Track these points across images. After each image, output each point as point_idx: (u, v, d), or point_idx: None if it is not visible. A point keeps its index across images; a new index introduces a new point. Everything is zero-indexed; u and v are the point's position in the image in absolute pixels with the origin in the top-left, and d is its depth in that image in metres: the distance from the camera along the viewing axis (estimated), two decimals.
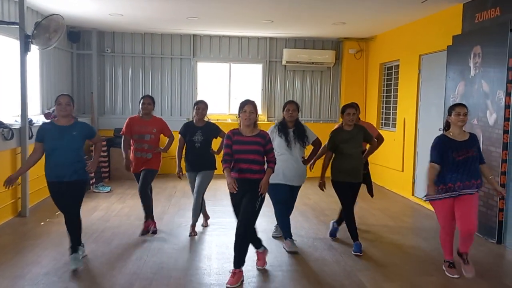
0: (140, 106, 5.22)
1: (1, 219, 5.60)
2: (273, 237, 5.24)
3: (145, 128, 5.17)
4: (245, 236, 3.96)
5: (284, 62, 9.42)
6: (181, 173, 5.29)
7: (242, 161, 3.95)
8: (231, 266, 4.00)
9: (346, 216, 4.89)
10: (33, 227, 5.46)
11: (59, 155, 4.09)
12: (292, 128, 4.84)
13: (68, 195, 4.14)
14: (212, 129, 5.32)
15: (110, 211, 6.24)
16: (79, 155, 4.22)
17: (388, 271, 4.33)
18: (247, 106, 3.97)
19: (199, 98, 7.66)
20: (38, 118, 6.78)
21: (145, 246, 4.85)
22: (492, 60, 5.41)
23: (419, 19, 7.22)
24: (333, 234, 5.32)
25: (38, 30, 5.83)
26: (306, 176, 4.98)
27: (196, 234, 5.28)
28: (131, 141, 5.25)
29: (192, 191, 5.34)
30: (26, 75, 5.99)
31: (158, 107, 9.39)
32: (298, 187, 5.01)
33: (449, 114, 4.21)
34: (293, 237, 4.90)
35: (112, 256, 4.53)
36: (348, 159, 4.79)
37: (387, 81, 8.77)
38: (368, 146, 5.12)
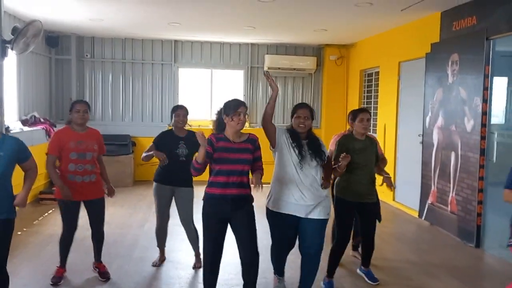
0: (73, 114, 3.96)
1: None
2: None
3: (85, 144, 3.95)
4: (258, 263, 3.34)
5: (265, 68, 9.44)
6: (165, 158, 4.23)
7: (230, 173, 3.24)
8: None
9: (338, 246, 3.98)
10: None
11: None
12: (306, 140, 3.60)
13: None
14: (195, 140, 4.04)
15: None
16: (6, 185, 3.09)
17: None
18: (242, 108, 3.28)
19: (179, 103, 7.29)
20: (15, 124, 6.64)
21: (126, 256, 4.77)
22: (469, 68, 5.53)
23: (399, 27, 7.34)
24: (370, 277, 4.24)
25: (16, 36, 5.71)
26: (329, 204, 3.63)
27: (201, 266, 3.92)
28: (62, 162, 3.94)
29: (159, 206, 4.40)
30: (2, 80, 5.85)
31: (138, 113, 9.34)
32: (320, 222, 3.52)
33: None
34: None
35: (92, 266, 4.44)
36: (360, 175, 3.89)
37: (367, 88, 8.87)
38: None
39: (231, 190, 3.25)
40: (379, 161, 4.16)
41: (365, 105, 8.85)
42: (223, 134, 3.35)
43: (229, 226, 3.38)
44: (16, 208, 3.15)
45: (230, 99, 3.40)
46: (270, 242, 3.77)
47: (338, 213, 3.99)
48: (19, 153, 3.16)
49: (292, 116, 3.66)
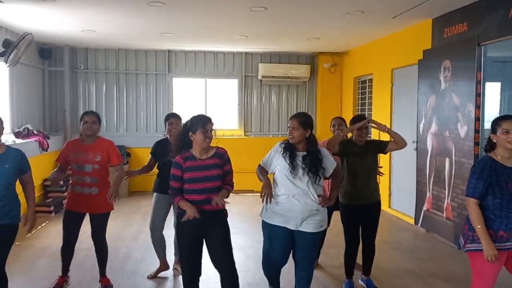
0: (82, 125, 4.04)
1: None
2: None
3: (85, 155, 3.94)
4: (237, 277, 3.32)
5: (260, 77, 9.45)
6: (128, 174, 4.44)
7: (199, 192, 3.18)
8: None
9: (349, 249, 4.12)
10: None
11: None
12: (304, 153, 3.44)
13: None
14: None
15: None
16: (9, 194, 3.26)
17: None
18: (209, 125, 3.22)
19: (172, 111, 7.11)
20: (8, 137, 6.60)
21: (119, 269, 4.71)
22: (461, 74, 5.54)
23: (391, 34, 7.37)
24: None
25: (11, 49, 5.73)
26: (324, 219, 3.51)
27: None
28: (70, 171, 4.08)
29: (156, 214, 4.46)
30: None
31: (133, 123, 9.31)
32: (311, 235, 3.42)
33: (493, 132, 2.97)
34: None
35: (85, 280, 4.39)
36: (361, 179, 3.98)
37: (361, 95, 8.88)
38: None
39: (202, 207, 3.17)
40: (390, 143, 4.07)
41: (359, 112, 8.86)
42: (189, 151, 3.27)
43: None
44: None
45: (196, 114, 3.31)
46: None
47: (344, 218, 4.11)
48: (22, 165, 3.35)
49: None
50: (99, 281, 4.20)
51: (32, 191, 3.47)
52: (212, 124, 3.25)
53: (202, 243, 3.32)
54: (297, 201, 3.36)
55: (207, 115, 3.35)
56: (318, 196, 3.38)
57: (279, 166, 3.42)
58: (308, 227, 3.39)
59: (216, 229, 3.26)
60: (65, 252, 4.10)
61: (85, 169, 3.96)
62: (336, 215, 4.67)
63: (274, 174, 3.51)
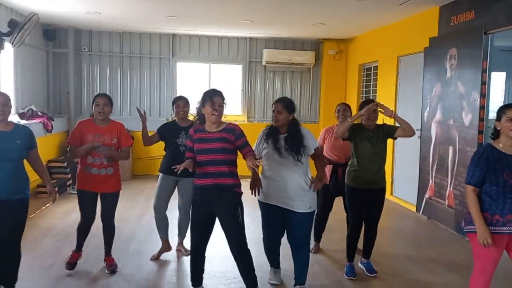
0: (94, 108, 4.05)
1: None
2: (269, 283, 4.02)
3: (103, 137, 4.01)
4: (246, 256, 3.38)
5: (264, 63, 9.42)
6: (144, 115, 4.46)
7: (208, 163, 3.29)
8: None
9: (352, 233, 4.18)
10: None
11: None
12: (285, 134, 3.63)
13: (3, 220, 3.24)
14: None
15: None
16: (20, 168, 3.41)
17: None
18: (217, 98, 3.28)
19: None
20: (12, 118, 6.61)
21: (123, 249, 4.76)
22: (467, 62, 5.52)
23: (397, 21, 7.32)
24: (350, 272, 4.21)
25: (18, 29, 5.71)
26: (312, 201, 3.67)
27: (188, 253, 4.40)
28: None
29: (160, 194, 4.49)
30: None
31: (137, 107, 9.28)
32: (301, 215, 3.60)
33: (498, 119, 2.98)
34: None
35: (90, 258, 4.43)
36: (369, 163, 4.00)
37: (366, 82, 8.86)
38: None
39: (210, 180, 3.32)
40: (398, 129, 4.03)
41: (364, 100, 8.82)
42: (203, 126, 3.41)
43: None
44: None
45: (209, 89, 3.47)
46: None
47: (349, 201, 4.17)
48: (31, 141, 3.48)
49: None
50: (104, 260, 4.26)
51: (43, 165, 3.72)
52: (221, 98, 3.32)
53: (213, 220, 3.43)
54: (285, 180, 3.56)
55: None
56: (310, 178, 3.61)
57: (265, 150, 3.65)
58: (297, 207, 3.58)
59: (224, 204, 3.32)
60: (82, 230, 4.19)
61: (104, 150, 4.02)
62: (338, 201, 4.72)
63: (262, 158, 3.71)
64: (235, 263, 3.51)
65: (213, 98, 3.29)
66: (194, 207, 3.42)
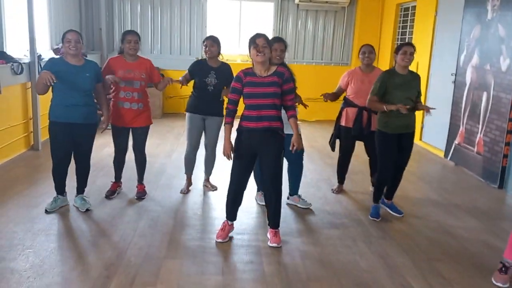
0: (124, 44, 4.18)
1: (14, 152, 5.78)
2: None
3: (133, 73, 4.19)
4: (278, 197, 3.55)
5: (296, 1, 9.12)
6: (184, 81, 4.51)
7: (258, 107, 3.36)
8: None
9: (380, 176, 4.18)
10: (45, 161, 5.61)
11: (70, 97, 3.86)
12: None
13: (78, 139, 4.02)
14: (227, 73, 4.44)
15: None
16: (91, 98, 4.05)
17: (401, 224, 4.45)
18: (259, 40, 3.33)
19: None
20: (47, 53, 6.78)
21: (152, 182, 4.99)
22: (511, 3, 5.20)
23: None
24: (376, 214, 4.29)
25: None
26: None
27: (216, 188, 4.85)
28: (114, 89, 4.27)
29: (192, 133, 4.60)
30: (33, 8, 5.93)
31: (167, 45, 9.31)
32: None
33: None
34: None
35: (122, 190, 4.69)
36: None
37: (402, 23, 8.50)
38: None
39: (260, 123, 3.37)
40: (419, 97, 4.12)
41: (399, 42, 8.53)
42: (251, 69, 3.44)
43: None
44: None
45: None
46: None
47: (379, 145, 4.14)
48: (97, 75, 4.03)
49: None
50: (136, 187, 4.59)
51: (106, 98, 4.22)
52: (264, 39, 3.34)
53: (254, 160, 3.55)
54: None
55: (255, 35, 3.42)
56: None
57: None
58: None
59: (272, 146, 3.43)
60: (117, 162, 4.54)
61: (134, 85, 4.22)
62: (360, 144, 4.73)
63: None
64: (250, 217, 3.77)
65: (255, 40, 3.34)
66: (240, 149, 3.46)
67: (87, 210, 4.10)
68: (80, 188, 4.24)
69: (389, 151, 4.09)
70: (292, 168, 4.38)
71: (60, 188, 4.16)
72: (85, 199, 4.20)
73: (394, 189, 4.37)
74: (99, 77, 4.05)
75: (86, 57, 7.74)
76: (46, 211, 4.02)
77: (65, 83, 3.83)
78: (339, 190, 4.95)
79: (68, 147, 4.03)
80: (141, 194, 4.53)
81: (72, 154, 4.12)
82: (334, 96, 4.75)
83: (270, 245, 3.54)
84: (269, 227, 3.64)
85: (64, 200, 4.19)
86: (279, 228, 3.63)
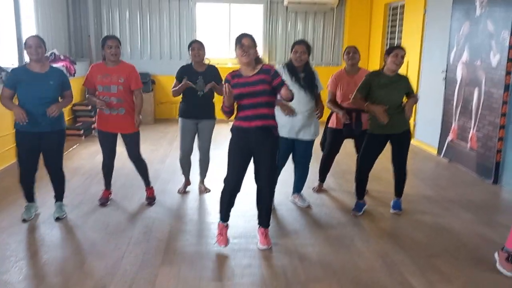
0: (105, 50, 4.08)
1: (5, 162, 5.70)
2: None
3: (110, 77, 4.09)
4: (272, 196, 3.59)
5: (285, 3, 9.13)
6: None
7: (248, 107, 3.34)
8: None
9: (358, 175, 4.28)
10: None
11: (34, 106, 3.72)
12: (302, 74, 4.11)
13: (46, 147, 3.90)
14: (214, 76, 4.47)
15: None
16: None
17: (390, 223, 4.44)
18: (245, 39, 3.31)
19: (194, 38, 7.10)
20: None
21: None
22: None
23: None
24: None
25: None
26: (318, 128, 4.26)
27: (209, 190, 4.89)
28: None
29: (184, 137, 4.63)
30: (20, 17, 5.88)
31: (157, 50, 9.27)
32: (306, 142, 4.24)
33: None
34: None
35: (116, 197, 4.65)
36: (388, 109, 3.96)
37: (391, 22, 8.54)
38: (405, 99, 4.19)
39: (253, 123, 3.34)
40: (409, 98, 4.11)
41: (389, 41, 8.57)
42: (239, 70, 3.41)
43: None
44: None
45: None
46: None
47: (364, 145, 4.19)
48: (63, 82, 3.89)
49: (291, 51, 4.15)
50: (145, 191, 4.60)
51: (69, 100, 4.02)
52: (250, 39, 3.32)
53: (249, 160, 3.48)
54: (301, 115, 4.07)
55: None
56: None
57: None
58: (303, 135, 4.24)
59: (266, 145, 3.40)
60: (106, 168, 4.47)
61: (111, 90, 4.12)
62: (348, 142, 4.73)
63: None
64: (255, 202, 3.62)
65: (241, 39, 3.32)
66: (234, 148, 3.44)
67: (57, 219, 4.01)
68: (58, 196, 4.16)
69: (371, 151, 4.14)
70: (298, 169, 4.48)
71: (29, 196, 4.09)
72: (61, 207, 4.13)
73: (402, 186, 4.37)
74: (66, 85, 3.92)
75: (75, 64, 7.77)
76: (24, 220, 3.96)
77: (28, 92, 3.73)
78: (320, 188, 4.95)
79: (34, 156, 3.94)
80: (150, 200, 4.52)
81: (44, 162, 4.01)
82: (339, 106, 4.56)
83: (261, 247, 3.51)
84: (259, 226, 3.61)
85: (36, 206, 4.15)
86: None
